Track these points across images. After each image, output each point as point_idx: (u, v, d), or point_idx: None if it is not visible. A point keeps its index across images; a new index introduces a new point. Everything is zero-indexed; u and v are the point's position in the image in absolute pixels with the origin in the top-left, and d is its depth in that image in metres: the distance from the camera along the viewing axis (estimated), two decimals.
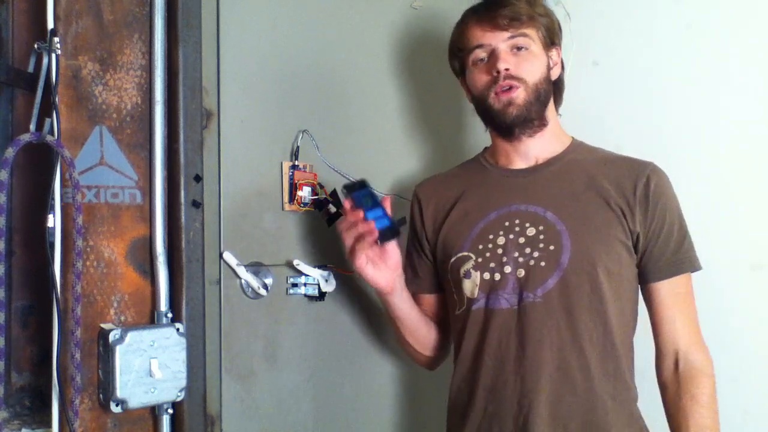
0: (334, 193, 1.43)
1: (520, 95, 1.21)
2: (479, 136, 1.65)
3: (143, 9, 1.18)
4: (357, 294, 1.49)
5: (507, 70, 1.20)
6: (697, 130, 1.41)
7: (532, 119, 1.24)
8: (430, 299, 1.39)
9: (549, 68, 1.26)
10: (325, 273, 1.42)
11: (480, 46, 1.24)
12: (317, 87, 1.45)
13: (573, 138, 1.30)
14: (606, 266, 1.16)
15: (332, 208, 1.42)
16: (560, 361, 1.15)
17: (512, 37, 1.22)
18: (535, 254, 1.18)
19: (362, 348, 1.52)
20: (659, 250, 1.19)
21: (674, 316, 1.19)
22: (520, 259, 1.18)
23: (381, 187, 1.52)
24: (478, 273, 1.22)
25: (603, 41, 1.55)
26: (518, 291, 1.18)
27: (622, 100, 1.51)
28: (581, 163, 1.24)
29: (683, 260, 1.19)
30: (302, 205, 1.39)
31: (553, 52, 1.28)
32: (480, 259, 1.22)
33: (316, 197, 1.41)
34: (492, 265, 1.21)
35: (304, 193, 1.39)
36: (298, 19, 1.42)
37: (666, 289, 1.20)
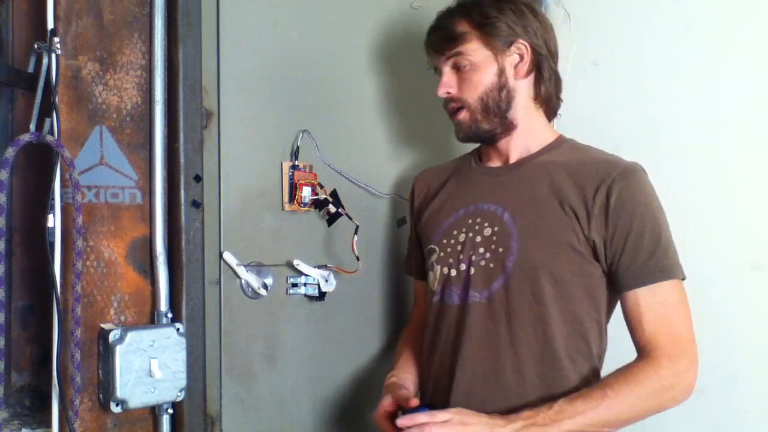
0: (334, 193, 1.43)
1: (464, 117, 1.24)
2: None
3: (143, 9, 1.18)
4: (357, 294, 1.49)
5: (448, 93, 1.24)
6: (696, 130, 1.40)
7: (487, 131, 1.24)
8: (422, 285, 1.41)
9: (501, 73, 1.21)
10: (325, 273, 1.42)
11: (433, 66, 1.29)
12: (317, 87, 1.45)
13: (561, 135, 1.27)
14: (551, 273, 1.13)
15: (332, 208, 1.42)
16: (495, 364, 1.15)
17: (449, 57, 1.23)
18: (487, 255, 1.18)
19: (362, 348, 1.52)
20: (627, 257, 1.11)
21: (648, 325, 1.10)
22: (473, 258, 1.19)
23: (381, 186, 1.52)
24: (439, 267, 1.24)
25: (603, 41, 1.54)
26: (466, 289, 1.19)
27: (622, 100, 1.51)
28: (552, 164, 1.20)
29: (657, 268, 1.11)
30: (302, 205, 1.39)
31: (511, 52, 1.22)
32: (442, 254, 1.25)
33: (316, 197, 1.41)
34: (450, 260, 1.23)
35: (304, 193, 1.39)
36: (298, 19, 1.42)
37: (637, 298, 1.11)
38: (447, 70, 1.25)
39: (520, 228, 1.17)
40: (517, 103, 1.23)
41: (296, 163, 1.39)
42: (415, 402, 1.15)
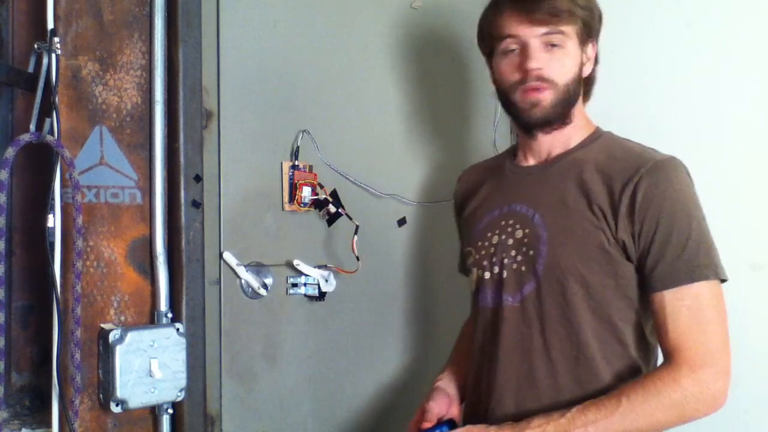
0: (334, 193, 1.43)
1: (547, 97, 1.15)
2: (480, 136, 1.65)
3: (143, 9, 1.18)
4: (357, 294, 1.49)
5: (539, 69, 1.14)
6: (697, 130, 1.40)
7: (564, 116, 1.19)
8: None
9: (581, 65, 1.19)
10: (325, 273, 1.42)
11: (512, 36, 1.16)
12: (317, 87, 1.45)
13: (597, 128, 1.23)
14: (581, 276, 1.10)
15: (332, 208, 1.42)
16: (529, 368, 1.14)
17: (547, 33, 1.14)
18: (518, 258, 1.16)
19: (362, 348, 1.52)
20: (653, 257, 1.07)
21: (673, 331, 1.05)
22: (506, 261, 1.18)
23: (381, 187, 1.52)
24: (475, 269, 1.24)
25: (603, 41, 1.54)
26: (500, 292, 1.18)
27: (622, 99, 1.51)
28: (583, 162, 1.17)
29: (684, 269, 1.05)
30: (302, 205, 1.39)
31: (588, 48, 1.20)
32: (477, 256, 1.23)
33: (316, 197, 1.41)
34: (485, 263, 1.21)
35: (304, 193, 1.39)
36: (298, 20, 1.42)
37: (663, 301, 1.06)
38: (538, 45, 1.14)
39: (550, 231, 1.14)
40: (578, 99, 1.21)
41: (296, 163, 1.39)
42: (426, 425, 1.17)
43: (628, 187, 1.09)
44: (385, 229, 1.55)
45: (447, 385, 1.29)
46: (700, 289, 1.05)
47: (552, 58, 1.15)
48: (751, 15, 1.35)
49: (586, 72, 1.21)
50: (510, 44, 1.17)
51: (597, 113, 1.46)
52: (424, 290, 1.60)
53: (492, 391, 1.17)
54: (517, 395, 1.14)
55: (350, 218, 1.42)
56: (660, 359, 1.17)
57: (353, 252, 1.41)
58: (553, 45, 1.14)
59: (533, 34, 1.14)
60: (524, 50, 1.15)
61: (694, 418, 1.06)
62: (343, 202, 1.43)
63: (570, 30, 1.15)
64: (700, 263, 1.06)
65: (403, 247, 1.57)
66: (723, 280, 1.08)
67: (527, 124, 1.20)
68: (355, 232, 1.41)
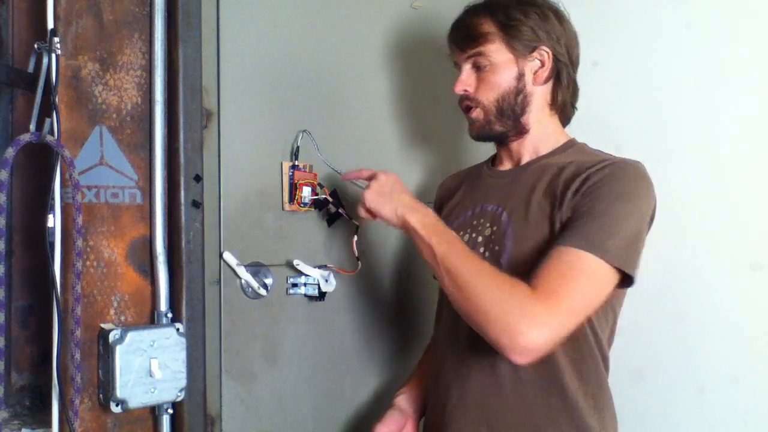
0: (334, 193, 1.43)
1: (478, 116, 1.25)
2: None
3: (143, 9, 1.18)
4: (357, 294, 1.49)
5: (465, 91, 1.25)
6: (697, 130, 1.40)
7: (500, 132, 1.25)
8: None
9: (520, 77, 1.21)
10: (325, 273, 1.42)
11: (454, 62, 1.29)
12: (317, 87, 1.45)
13: (572, 139, 1.27)
14: None
15: (332, 208, 1.42)
16: (491, 361, 1.15)
17: (469, 57, 1.24)
18: (486, 254, 1.19)
19: (362, 348, 1.52)
20: (570, 221, 1.09)
21: (543, 271, 1.04)
22: None
23: None
24: None
25: (603, 41, 1.54)
26: None
27: (622, 100, 1.51)
28: (553, 165, 1.20)
29: (581, 236, 1.05)
30: (302, 205, 1.39)
31: (532, 58, 1.22)
32: None
33: (316, 197, 1.41)
34: None
35: (304, 193, 1.39)
36: (298, 20, 1.42)
37: (552, 251, 1.07)
38: (466, 68, 1.25)
39: (515, 227, 1.18)
40: (532, 108, 1.24)
41: (296, 163, 1.39)
42: None
43: (582, 175, 1.12)
44: (385, 229, 1.55)
45: (404, 401, 1.32)
46: (586, 259, 1.04)
47: (480, 78, 1.23)
48: (750, 16, 1.35)
49: (541, 79, 1.22)
50: (456, 68, 1.29)
51: (596, 114, 1.47)
52: (424, 290, 1.60)
53: (456, 383, 1.19)
54: (479, 386, 1.16)
55: (350, 218, 1.42)
56: (612, 357, 1.19)
57: (353, 252, 1.41)
58: (480, 66, 1.23)
59: (461, 59, 1.26)
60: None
61: (501, 333, 1.01)
62: (343, 202, 1.43)
63: (492, 48, 1.21)
64: (598, 239, 1.05)
65: (403, 248, 1.57)
66: (627, 275, 1.07)
67: (474, 139, 1.30)
68: (355, 232, 1.42)
